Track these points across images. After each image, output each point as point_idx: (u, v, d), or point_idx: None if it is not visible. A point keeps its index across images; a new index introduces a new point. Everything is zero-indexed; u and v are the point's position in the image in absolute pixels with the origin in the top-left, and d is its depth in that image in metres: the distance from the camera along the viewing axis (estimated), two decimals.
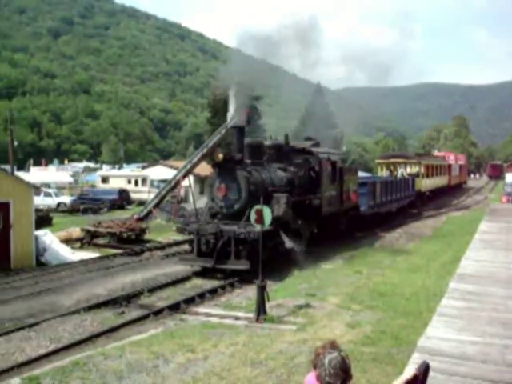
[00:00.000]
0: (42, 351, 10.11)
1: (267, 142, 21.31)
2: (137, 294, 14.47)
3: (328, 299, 13.02)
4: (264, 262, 14.52)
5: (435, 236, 25.61)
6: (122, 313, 12.85)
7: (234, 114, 25.59)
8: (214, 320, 11.81)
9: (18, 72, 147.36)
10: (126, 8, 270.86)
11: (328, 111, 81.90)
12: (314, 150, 22.20)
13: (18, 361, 9.65)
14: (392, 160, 43.32)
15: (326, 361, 3.53)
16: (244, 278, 15.85)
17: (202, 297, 14.10)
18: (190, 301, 13.66)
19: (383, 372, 8.13)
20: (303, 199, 20.09)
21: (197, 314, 12.48)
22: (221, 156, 17.32)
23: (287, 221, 17.71)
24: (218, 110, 53.58)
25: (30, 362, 9.56)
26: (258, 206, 12.95)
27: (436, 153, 71.81)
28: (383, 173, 42.20)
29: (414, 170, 41.91)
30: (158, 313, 12.69)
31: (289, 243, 17.21)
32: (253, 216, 12.98)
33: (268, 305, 11.80)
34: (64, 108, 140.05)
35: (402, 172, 39.75)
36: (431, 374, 6.62)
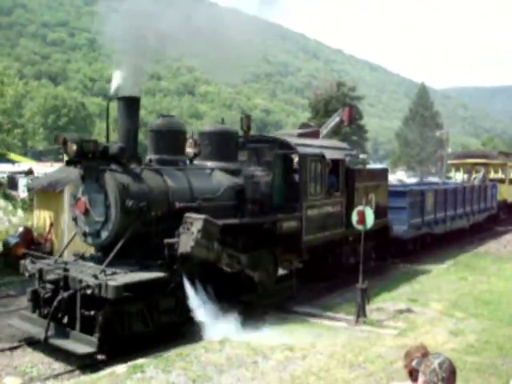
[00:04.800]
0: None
1: (206, 128, 13.21)
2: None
3: (430, 305, 12.67)
4: (145, 337, 9.72)
5: None
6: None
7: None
8: (313, 320, 11.81)
9: None
10: (228, 9, 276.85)
11: (433, 111, 79.59)
12: (296, 141, 13.66)
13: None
14: (468, 160, 32.56)
15: (436, 365, 3.35)
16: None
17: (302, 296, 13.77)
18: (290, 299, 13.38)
19: (486, 383, 7.86)
20: (260, 222, 11.90)
21: (296, 313, 12.51)
22: (74, 147, 9.53)
23: (210, 261, 10.16)
24: (319, 110, 53.51)
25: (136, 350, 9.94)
26: (360, 207, 12.11)
27: None
28: (458, 176, 33.22)
29: (499, 173, 32.68)
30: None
31: (194, 306, 9.82)
32: (354, 218, 12.13)
33: (368, 308, 11.65)
34: (169, 108, 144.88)
35: (475, 177, 30.44)
36: None
